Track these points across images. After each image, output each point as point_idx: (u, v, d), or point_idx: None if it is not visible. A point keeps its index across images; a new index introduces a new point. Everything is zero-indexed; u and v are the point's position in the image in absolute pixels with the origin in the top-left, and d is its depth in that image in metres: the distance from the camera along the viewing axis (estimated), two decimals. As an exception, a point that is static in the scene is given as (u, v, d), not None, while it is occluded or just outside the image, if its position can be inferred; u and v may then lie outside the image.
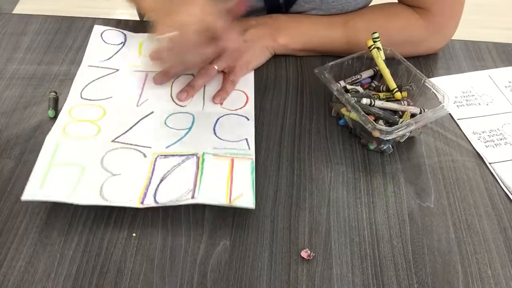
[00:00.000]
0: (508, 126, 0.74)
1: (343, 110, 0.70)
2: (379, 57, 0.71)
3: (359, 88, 0.72)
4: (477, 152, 0.70)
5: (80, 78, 0.75)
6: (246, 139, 0.68)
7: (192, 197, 0.59)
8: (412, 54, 0.81)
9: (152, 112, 0.71)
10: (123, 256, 0.56)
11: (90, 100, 0.72)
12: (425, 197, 0.64)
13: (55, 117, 0.69)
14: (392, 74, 0.71)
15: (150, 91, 0.74)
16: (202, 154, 0.65)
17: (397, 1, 0.83)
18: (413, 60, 0.80)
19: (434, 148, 0.70)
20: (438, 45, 0.84)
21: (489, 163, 0.68)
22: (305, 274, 0.55)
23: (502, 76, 0.82)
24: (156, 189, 0.60)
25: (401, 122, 0.65)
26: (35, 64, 0.78)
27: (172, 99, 0.73)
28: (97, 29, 0.83)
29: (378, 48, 0.71)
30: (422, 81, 0.70)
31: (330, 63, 0.72)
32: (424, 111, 0.68)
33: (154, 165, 0.63)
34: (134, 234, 0.58)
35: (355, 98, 0.67)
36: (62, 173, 0.61)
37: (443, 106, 0.67)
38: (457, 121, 0.74)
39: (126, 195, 0.59)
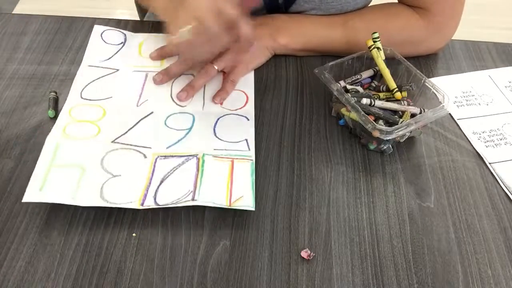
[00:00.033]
0: (508, 126, 0.74)
1: (343, 110, 0.70)
2: (379, 57, 0.71)
3: (359, 88, 0.72)
4: (477, 152, 0.70)
5: (80, 78, 0.75)
6: (246, 140, 0.68)
7: (193, 199, 0.59)
8: (412, 54, 0.81)
9: (152, 112, 0.71)
10: (123, 256, 0.56)
11: (90, 100, 0.72)
12: (425, 197, 0.64)
13: (55, 117, 0.69)
14: (392, 74, 0.71)
15: (150, 91, 0.74)
16: (202, 155, 0.65)
17: (397, 1, 0.83)
18: (413, 60, 0.80)
19: (434, 148, 0.70)
20: (438, 45, 0.84)
21: (489, 163, 0.68)
22: (305, 274, 0.55)
23: (502, 76, 0.82)
24: (156, 191, 0.60)
25: (401, 122, 0.65)
26: (35, 64, 0.78)
27: (172, 99, 0.73)
28: (97, 29, 0.83)
29: (378, 48, 0.71)
30: (422, 81, 0.70)
31: (330, 63, 0.72)
32: (424, 111, 0.68)
33: (154, 166, 0.63)
34: (134, 234, 0.58)
35: (355, 98, 0.67)
36: (63, 174, 0.61)
37: (443, 106, 0.67)
38: (457, 121, 0.74)
39: (126, 196, 0.59)
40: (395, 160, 0.68)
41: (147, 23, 0.89)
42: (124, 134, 0.67)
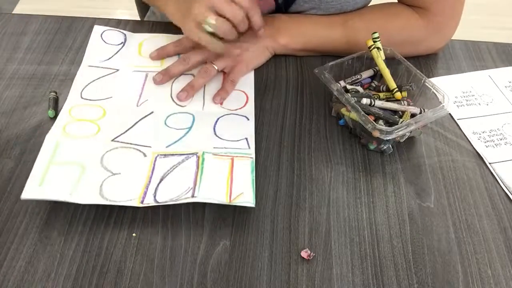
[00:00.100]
0: (508, 126, 0.74)
1: (343, 110, 0.70)
2: (379, 57, 0.71)
3: (359, 88, 0.72)
4: (477, 152, 0.70)
5: (80, 78, 0.75)
6: (246, 139, 0.68)
7: (192, 195, 0.59)
8: (412, 54, 0.81)
9: (152, 112, 0.71)
10: (123, 256, 0.56)
11: (90, 100, 0.72)
12: (425, 197, 0.64)
13: (55, 117, 0.69)
14: (392, 74, 0.71)
15: (150, 91, 0.74)
16: (202, 153, 0.65)
17: (396, 1, 0.83)
18: (413, 60, 0.80)
19: (434, 148, 0.70)
20: (438, 45, 0.84)
21: (489, 163, 0.68)
22: (305, 274, 0.55)
23: (502, 76, 0.82)
24: (156, 188, 0.60)
25: (401, 122, 0.65)
26: (35, 64, 0.78)
27: (172, 99, 0.73)
28: (97, 29, 0.83)
29: (378, 48, 0.71)
30: (422, 81, 0.70)
31: (330, 63, 0.72)
32: (424, 111, 0.68)
33: (154, 164, 0.63)
34: (134, 234, 0.58)
35: (355, 98, 0.67)
36: (62, 172, 0.61)
37: (443, 106, 0.67)
38: (457, 121, 0.74)
39: (126, 194, 0.59)
40: (395, 160, 0.68)
41: (147, 23, 0.89)
42: (124, 133, 0.67)
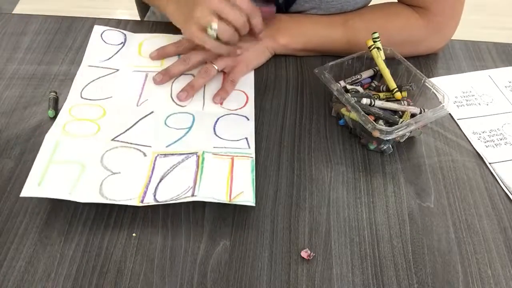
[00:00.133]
0: (508, 126, 0.73)
1: (343, 110, 0.70)
2: (379, 57, 0.71)
3: (359, 88, 0.72)
4: (477, 152, 0.70)
5: (80, 78, 0.75)
6: (246, 138, 0.68)
7: (192, 194, 0.59)
8: (412, 54, 0.81)
9: (152, 112, 0.71)
10: (123, 256, 0.56)
11: (90, 100, 0.72)
12: (425, 197, 0.64)
13: (55, 117, 0.69)
14: (392, 74, 0.71)
15: (150, 91, 0.74)
16: (202, 153, 0.65)
17: (397, 1, 0.83)
18: (413, 60, 0.80)
19: (434, 148, 0.70)
20: (438, 45, 0.84)
21: (489, 163, 0.68)
22: (305, 274, 0.55)
23: (502, 76, 0.82)
24: (156, 188, 0.60)
25: (401, 122, 0.65)
26: (35, 64, 0.78)
27: (172, 99, 0.73)
28: (97, 29, 0.83)
29: (378, 48, 0.71)
30: (422, 81, 0.70)
31: (330, 63, 0.72)
32: (424, 111, 0.68)
33: (154, 164, 0.63)
34: (134, 234, 0.58)
35: (355, 98, 0.67)
36: (62, 170, 0.61)
37: (443, 106, 0.67)
38: (457, 121, 0.74)
39: (126, 193, 0.60)
40: (395, 160, 0.68)
41: (147, 23, 0.89)
42: (124, 132, 0.67)
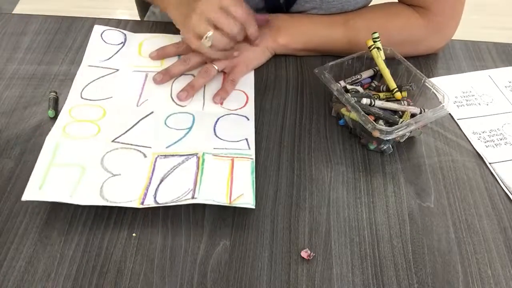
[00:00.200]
0: (508, 126, 0.73)
1: (343, 110, 0.70)
2: (379, 57, 0.71)
3: (359, 88, 0.72)
4: (477, 152, 0.70)
5: (80, 78, 0.75)
6: (246, 139, 0.68)
7: (192, 197, 0.59)
8: (412, 54, 0.81)
9: (152, 112, 0.71)
10: (123, 256, 0.56)
11: (90, 100, 0.72)
12: (425, 197, 0.64)
13: (55, 117, 0.69)
14: (392, 74, 0.71)
15: (150, 91, 0.74)
16: (202, 154, 0.65)
17: (397, 1, 0.83)
18: (413, 60, 0.80)
19: (434, 148, 0.70)
20: (438, 45, 0.84)
21: (489, 163, 0.68)
22: (305, 274, 0.55)
23: (502, 76, 0.82)
24: (156, 189, 0.60)
25: (401, 122, 0.65)
26: (35, 64, 0.78)
27: (172, 99, 0.73)
28: (97, 29, 0.83)
29: (378, 48, 0.71)
30: (422, 81, 0.70)
31: (330, 63, 0.72)
32: (424, 111, 0.68)
33: (154, 165, 0.63)
34: (134, 234, 0.58)
35: (355, 98, 0.67)
36: (62, 173, 0.61)
37: (443, 106, 0.67)
38: (457, 121, 0.74)
39: (126, 195, 0.59)
40: (395, 160, 0.68)
41: (147, 23, 0.89)
42: (124, 133, 0.67)
